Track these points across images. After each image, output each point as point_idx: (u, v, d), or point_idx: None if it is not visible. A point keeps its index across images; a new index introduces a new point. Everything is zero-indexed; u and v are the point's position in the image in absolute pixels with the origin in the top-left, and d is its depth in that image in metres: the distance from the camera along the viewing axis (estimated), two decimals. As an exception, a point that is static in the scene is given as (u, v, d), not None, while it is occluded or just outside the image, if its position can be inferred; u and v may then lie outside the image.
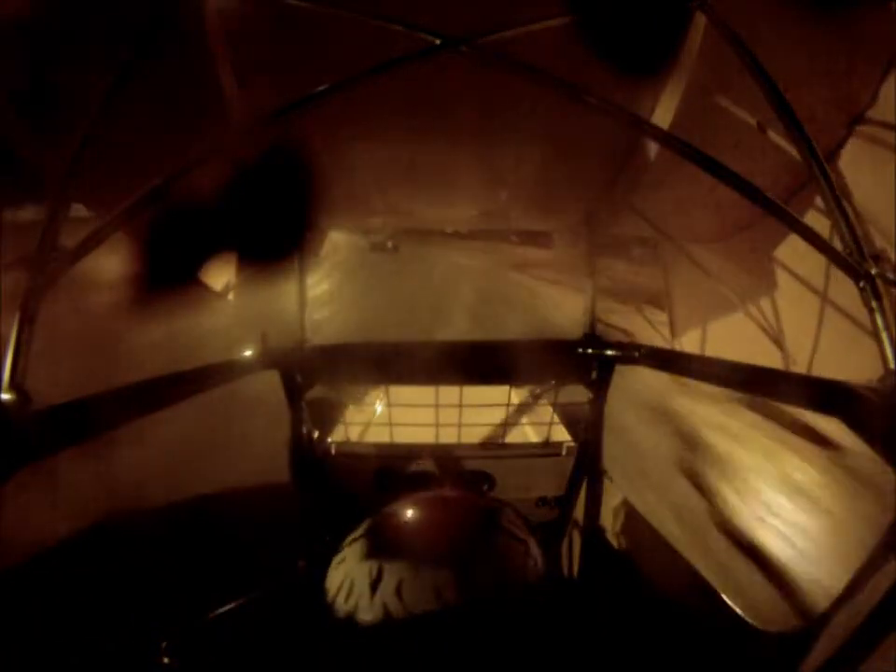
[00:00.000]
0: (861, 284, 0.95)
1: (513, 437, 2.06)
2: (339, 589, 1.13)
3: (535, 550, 1.19)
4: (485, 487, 1.97)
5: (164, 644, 1.08)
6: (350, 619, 1.06)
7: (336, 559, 1.19)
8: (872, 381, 0.90)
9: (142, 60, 1.12)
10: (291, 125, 1.15)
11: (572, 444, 2.01)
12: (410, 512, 1.28)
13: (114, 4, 1.37)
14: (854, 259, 0.97)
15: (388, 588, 1.06)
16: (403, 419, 1.98)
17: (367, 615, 1.04)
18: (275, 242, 1.83)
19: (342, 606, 1.09)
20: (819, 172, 1.03)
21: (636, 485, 1.73)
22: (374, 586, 1.09)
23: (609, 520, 1.80)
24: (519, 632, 1.00)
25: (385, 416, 1.97)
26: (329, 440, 2.06)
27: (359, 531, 1.25)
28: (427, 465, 2.00)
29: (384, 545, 1.18)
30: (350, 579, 1.15)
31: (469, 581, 1.06)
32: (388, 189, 2.13)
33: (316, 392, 1.95)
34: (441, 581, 1.04)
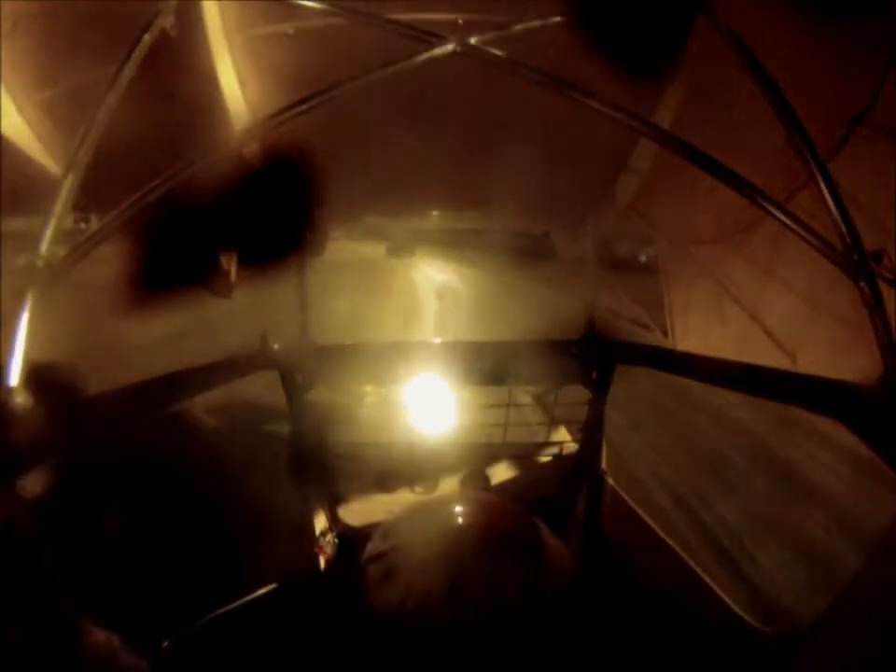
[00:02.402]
0: (861, 284, 0.96)
1: (513, 437, 2.06)
2: (356, 580, 1.14)
3: (557, 554, 1.20)
4: (485, 488, 1.97)
5: (165, 644, 1.08)
6: (362, 611, 1.07)
7: (363, 551, 1.21)
8: (872, 381, 0.90)
9: (141, 60, 1.12)
10: (291, 125, 1.15)
11: (572, 444, 2.01)
12: (432, 513, 1.29)
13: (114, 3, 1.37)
14: (854, 259, 0.97)
15: (399, 583, 1.07)
16: (403, 419, 1.98)
17: (378, 607, 1.05)
18: (276, 242, 1.83)
19: (356, 595, 1.10)
20: (818, 172, 1.03)
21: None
22: (387, 579, 1.10)
23: (609, 520, 1.80)
24: (533, 636, 1.01)
25: (386, 416, 1.97)
26: (329, 440, 2.06)
27: (384, 527, 1.27)
28: (427, 465, 2.00)
29: (403, 541, 1.19)
30: (365, 569, 1.16)
31: (479, 582, 1.07)
32: (388, 189, 2.13)
33: (316, 392, 1.95)
34: (454, 581, 1.05)
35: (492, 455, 2.05)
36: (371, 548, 1.20)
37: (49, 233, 0.98)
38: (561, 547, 1.22)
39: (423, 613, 1.00)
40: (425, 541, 1.15)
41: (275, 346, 1.82)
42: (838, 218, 1.00)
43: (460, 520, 1.24)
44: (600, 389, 1.86)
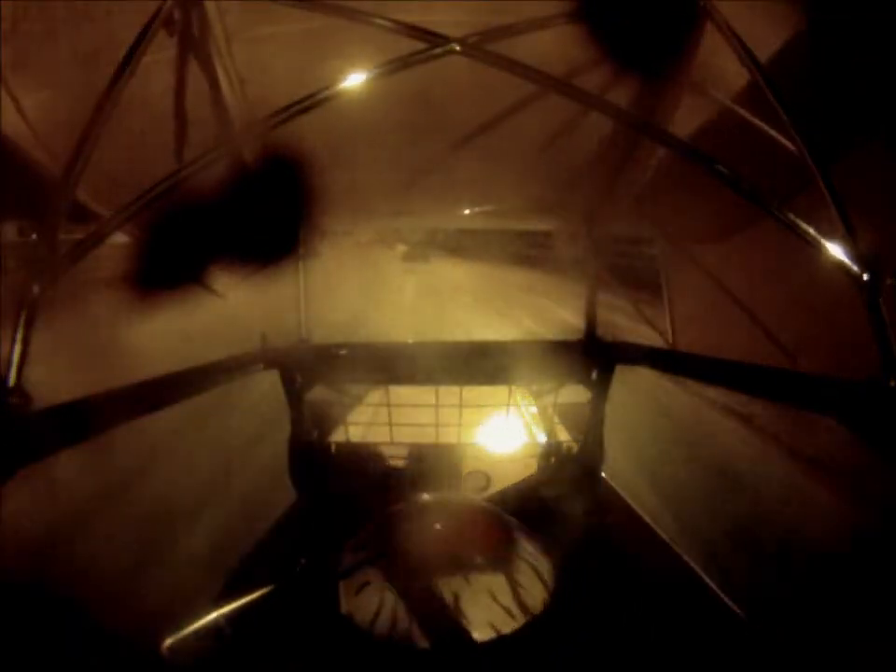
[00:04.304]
0: (861, 284, 0.96)
1: (513, 437, 2.06)
2: (342, 587, 1.14)
3: (535, 566, 1.20)
4: (485, 488, 1.97)
5: (164, 644, 1.09)
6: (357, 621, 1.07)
7: (342, 560, 1.20)
8: (871, 381, 0.90)
9: (140, 60, 1.12)
10: (291, 125, 1.15)
11: (572, 444, 2.01)
12: (416, 517, 1.29)
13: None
14: (854, 259, 0.97)
15: (373, 595, 1.07)
16: (403, 419, 1.98)
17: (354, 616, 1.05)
18: (275, 242, 1.83)
19: (348, 605, 1.10)
20: (818, 172, 1.03)
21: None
22: (362, 589, 1.10)
23: (609, 520, 1.80)
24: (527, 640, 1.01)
25: (385, 416, 1.97)
26: (329, 440, 2.06)
27: (366, 532, 1.27)
28: (427, 465, 2.00)
29: (388, 547, 1.19)
30: (348, 577, 1.16)
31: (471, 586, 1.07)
32: (388, 189, 2.13)
33: (316, 392, 1.95)
34: (445, 587, 1.05)
35: (492, 455, 2.05)
36: (348, 555, 1.21)
37: (48, 233, 0.98)
38: (541, 558, 1.22)
39: (396, 624, 1.01)
40: (402, 552, 1.16)
41: (275, 346, 1.82)
42: (838, 219, 1.00)
43: (439, 528, 1.25)
44: (600, 389, 1.86)
